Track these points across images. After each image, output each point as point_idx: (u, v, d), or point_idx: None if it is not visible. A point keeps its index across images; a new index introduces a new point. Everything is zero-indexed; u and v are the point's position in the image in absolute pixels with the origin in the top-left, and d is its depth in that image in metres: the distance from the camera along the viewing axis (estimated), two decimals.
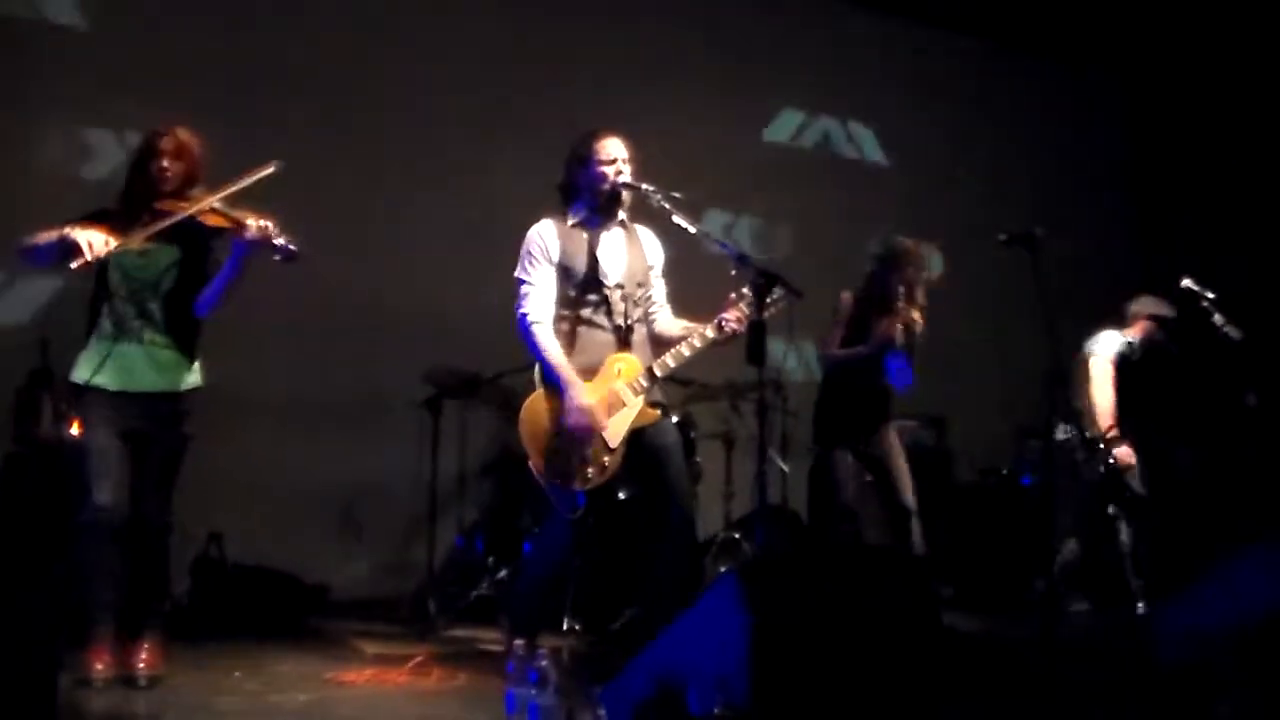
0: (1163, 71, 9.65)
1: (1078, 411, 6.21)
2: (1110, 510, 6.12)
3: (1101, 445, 6.07)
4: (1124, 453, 6.15)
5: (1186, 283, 6.16)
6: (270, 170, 4.44)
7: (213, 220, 4.49)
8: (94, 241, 4.29)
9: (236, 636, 5.62)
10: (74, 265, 4.30)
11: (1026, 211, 7.06)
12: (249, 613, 5.94)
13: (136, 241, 4.42)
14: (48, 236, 4.39)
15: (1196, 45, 9.20)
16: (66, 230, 4.34)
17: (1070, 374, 6.17)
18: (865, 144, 9.18)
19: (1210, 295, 6.10)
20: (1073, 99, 9.85)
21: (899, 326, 5.81)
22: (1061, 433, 6.24)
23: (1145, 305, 6.56)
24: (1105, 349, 6.43)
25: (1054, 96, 9.78)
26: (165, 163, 4.56)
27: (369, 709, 4.37)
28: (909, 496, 5.95)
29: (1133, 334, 6.53)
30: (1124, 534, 6.14)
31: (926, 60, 9.21)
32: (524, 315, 4.67)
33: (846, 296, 6.03)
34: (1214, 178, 9.20)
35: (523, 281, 4.71)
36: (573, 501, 4.60)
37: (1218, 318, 6.08)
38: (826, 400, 6.13)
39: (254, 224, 4.42)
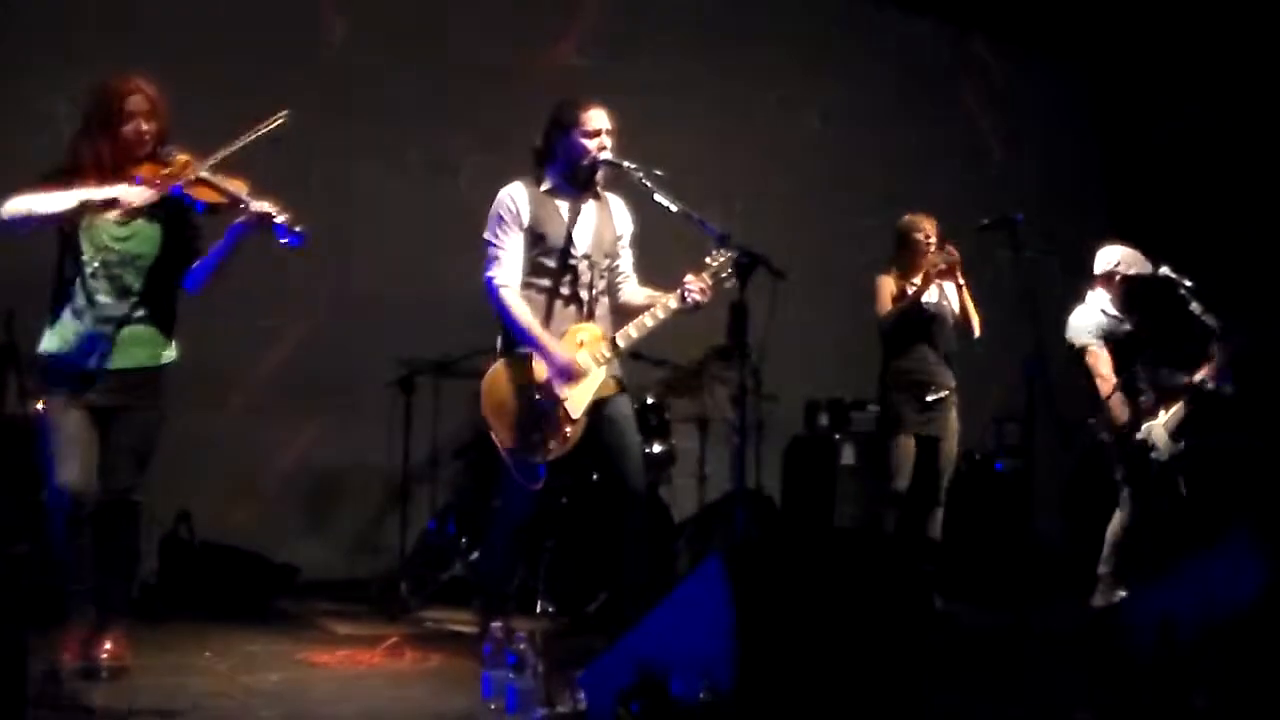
0: (1132, 56, 9.66)
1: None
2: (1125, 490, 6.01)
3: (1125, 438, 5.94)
4: (1157, 432, 5.96)
5: (1164, 270, 6.13)
6: (281, 120, 4.23)
7: (206, 195, 4.21)
8: (138, 195, 4.08)
9: (205, 617, 5.56)
10: (114, 216, 4.11)
11: (1003, 197, 7.06)
12: (218, 593, 5.86)
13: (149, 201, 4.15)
14: (59, 201, 4.09)
15: (1166, 31, 9.22)
16: (100, 189, 4.10)
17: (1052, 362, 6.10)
18: (839, 128, 9.12)
19: (1188, 283, 6.07)
20: (1046, 85, 9.86)
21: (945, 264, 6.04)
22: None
23: (1096, 264, 6.27)
24: (1083, 334, 6.11)
25: (1030, 83, 9.78)
26: (143, 125, 4.22)
27: (342, 690, 4.32)
28: (942, 488, 6.13)
29: (1105, 300, 6.20)
30: (1122, 515, 6.03)
31: (901, 45, 9.18)
32: (490, 279, 4.63)
33: (883, 277, 6.21)
34: (1187, 161, 9.23)
35: (491, 245, 4.66)
36: (534, 473, 4.58)
37: (1195, 305, 6.05)
38: (886, 380, 6.21)
39: (255, 206, 4.18)
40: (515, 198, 4.66)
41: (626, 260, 4.90)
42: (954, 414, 6.22)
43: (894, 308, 6.11)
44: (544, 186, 4.69)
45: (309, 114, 6.67)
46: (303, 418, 6.92)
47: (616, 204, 4.85)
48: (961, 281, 6.15)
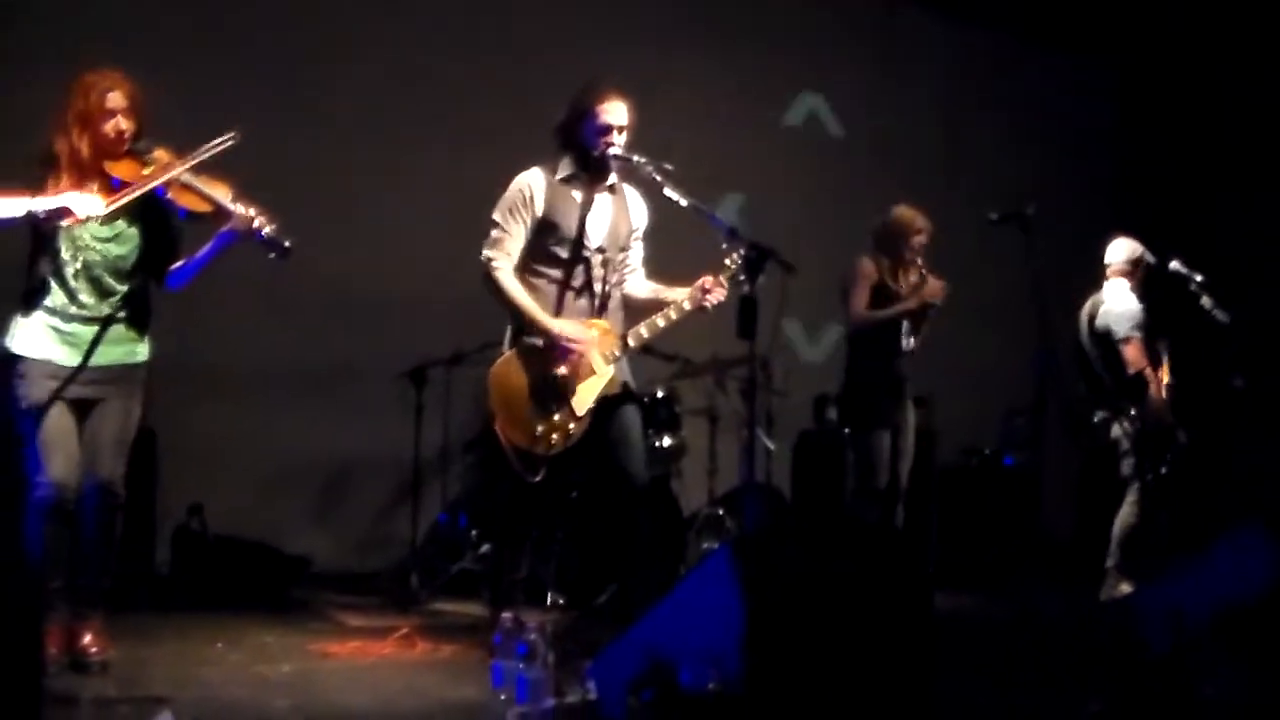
0: (1154, 54, 9.64)
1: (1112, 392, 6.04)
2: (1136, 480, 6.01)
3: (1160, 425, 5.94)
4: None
5: (1175, 265, 6.12)
6: (229, 141, 4.11)
7: (190, 202, 4.16)
8: (90, 206, 3.98)
9: (218, 608, 5.59)
10: (66, 223, 3.99)
11: (1017, 190, 7.01)
12: (230, 584, 5.90)
13: (112, 210, 4.06)
14: (19, 202, 3.97)
15: (1188, 27, 9.20)
16: (48, 198, 3.99)
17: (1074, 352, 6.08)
18: (854, 124, 9.12)
19: (1199, 278, 6.06)
20: (1064, 82, 9.84)
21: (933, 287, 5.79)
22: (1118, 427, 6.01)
23: (1119, 253, 6.25)
24: (1126, 324, 6.06)
25: (1048, 80, 9.76)
26: (123, 123, 4.13)
27: (354, 681, 4.34)
28: (904, 477, 5.96)
29: (1127, 288, 6.17)
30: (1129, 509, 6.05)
31: (917, 43, 9.17)
32: (488, 258, 4.55)
33: (866, 262, 5.90)
34: (1206, 159, 9.20)
35: (496, 224, 4.58)
36: (534, 466, 4.54)
37: (1206, 300, 6.04)
38: (858, 376, 5.98)
39: (241, 214, 4.12)
40: (532, 185, 4.58)
41: (636, 254, 4.86)
42: (911, 408, 6.09)
43: (873, 314, 5.84)
44: (560, 174, 4.62)
45: (314, 102, 6.84)
46: (315, 410, 6.92)
47: (633, 197, 4.80)
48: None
